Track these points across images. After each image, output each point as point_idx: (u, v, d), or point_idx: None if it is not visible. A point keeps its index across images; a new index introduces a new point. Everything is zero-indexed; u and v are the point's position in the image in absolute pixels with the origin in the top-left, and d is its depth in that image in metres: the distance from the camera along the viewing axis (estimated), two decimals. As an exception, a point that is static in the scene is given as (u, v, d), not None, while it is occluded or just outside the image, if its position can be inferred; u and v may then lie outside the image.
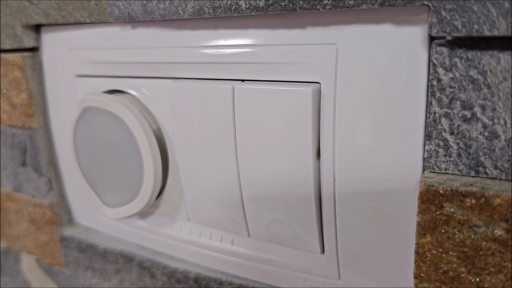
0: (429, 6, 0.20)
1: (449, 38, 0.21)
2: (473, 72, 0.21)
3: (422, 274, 0.24)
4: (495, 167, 0.21)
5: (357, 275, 0.28)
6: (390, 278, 0.27)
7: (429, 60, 0.22)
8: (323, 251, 0.29)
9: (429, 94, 0.22)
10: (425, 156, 0.23)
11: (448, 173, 0.23)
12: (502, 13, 0.19)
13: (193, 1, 0.27)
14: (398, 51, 0.23)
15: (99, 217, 0.42)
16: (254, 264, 0.32)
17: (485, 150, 0.21)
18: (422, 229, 0.23)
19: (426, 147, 0.23)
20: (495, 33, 0.19)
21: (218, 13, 0.27)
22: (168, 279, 0.37)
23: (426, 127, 0.23)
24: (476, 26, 0.19)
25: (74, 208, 0.45)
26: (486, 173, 0.22)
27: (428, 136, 0.23)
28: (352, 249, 0.27)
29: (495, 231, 0.21)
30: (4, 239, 0.52)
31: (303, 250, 0.29)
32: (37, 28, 0.39)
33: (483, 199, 0.21)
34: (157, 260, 0.38)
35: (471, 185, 0.21)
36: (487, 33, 0.19)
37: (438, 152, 0.23)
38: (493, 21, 0.19)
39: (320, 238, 0.28)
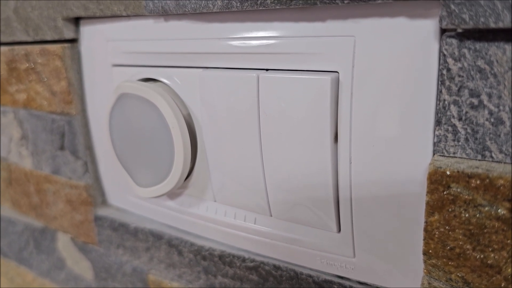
0: (439, 0, 0.22)
1: (459, 30, 0.23)
2: (480, 62, 0.22)
3: (430, 251, 0.26)
4: (500, 151, 0.23)
5: (371, 254, 0.30)
6: (402, 256, 0.29)
7: (440, 51, 0.23)
8: (339, 230, 0.31)
9: (439, 82, 0.24)
10: (435, 140, 0.25)
11: (456, 157, 0.24)
12: (507, 7, 0.20)
13: (222, -5, 0.29)
14: (411, 43, 0.24)
15: (131, 198, 0.45)
16: (275, 242, 0.34)
17: (491, 135, 0.23)
18: (431, 208, 0.25)
19: (436, 132, 0.25)
20: (500, 25, 0.20)
21: (245, 7, 0.29)
22: (194, 256, 0.40)
23: (436, 113, 0.24)
24: (482, 19, 0.21)
25: (107, 190, 0.48)
26: (491, 157, 0.23)
27: (438, 122, 0.24)
28: (367, 228, 0.29)
29: (499, 210, 0.23)
30: (41, 219, 0.56)
31: (320, 229, 0.31)
32: (76, 21, 0.42)
33: (487, 180, 0.22)
34: (184, 239, 0.40)
35: (477, 167, 0.23)
36: (492, 25, 0.21)
37: (447, 137, 0.24)
38: (498, 14, 0.20)
39: (336, 217, 0.30)
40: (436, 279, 0.26)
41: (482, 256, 0.24)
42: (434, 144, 0.25)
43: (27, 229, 0.59)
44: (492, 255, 0.23)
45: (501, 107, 0.22)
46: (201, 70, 0.33)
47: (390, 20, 0.25)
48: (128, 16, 0.37)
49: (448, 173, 0.23)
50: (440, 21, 0.22)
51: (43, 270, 0.60)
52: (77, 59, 0.43)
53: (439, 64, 0.24)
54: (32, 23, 0.43)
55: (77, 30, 0.42)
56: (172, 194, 0.40)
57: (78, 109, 0.44)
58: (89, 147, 0.46)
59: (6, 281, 0.68)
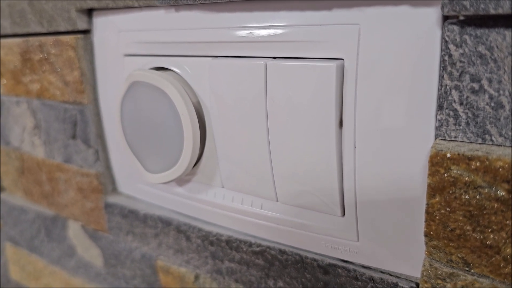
0: (441, -12, 0.23)
1: (460, 17, 0.23)
2: (481, 48, 0.23)
3: (431, 232, 0.26)
4: (500, 135, 0.24)
5: (374, 238, 0.31)
6: (405, 240, 0.30)
7: (442, 37, 0.24)
8: (343, 214, 0.32)
9: (441, 68, 0.24)
10: (437, 125, 0.26)
11: (457, 140, 0.25)
12: (506, -6, 0.21)
13: (231, -15, 0.30)
14: (414, 30, 0.25)
15: (141, 186, 0.46)
16: (281, 227, 0.35)
17: (491, 119, 0.24)
18: (432, 190, 0.25)
19: (438, 117, 0.25)
20: (500, 11, 0.21)
21: (254, -4, 0.30)
22: (202, 242, 0.41)
23: (438, 98, 0.25)
24: (482, 5, 0.21)
25: (117, 178, 0.49)
26: (491, 140, 0.24)
27: (439, 107, 0.25)
28: (370, 212, 0.30)
29: (498, 192, 0.23)
30: (53, 207, 0.57)
31: (325, 214, 0.32)
32: (89, 12, 0.43)
33: (487, 162, 0.23)
34: (192, 224, 0.41)
35: (477, 150, 0.24)
36: (492, 11, 0.21)
37: (449, 121, 0.25)
38: (498, 1, 0.21)
39: (341, 201, 0.31)
40: (437, 260, 0.27)
41: (481, 237, 0.24)
42: (436, 128, 0.26)
43: (38, 218, 0.61)
44: (491, 235, 0.24)
45: (501, 92, 0.23)
46: (210, 59, 0.34)
47: (394, 8, 0.25)
48: (140, 7, 0.38)
49: (448, 155, 0.24)
50: (442, 8, 0.23)
51: (54, 257, 0.62)
52: (89, 49, 0.44)
53: (441, 50, 0.24)
54: (46, 15, 0.45)
55: (90, 21, 0.43)
56: (181, 181, 0.41)
57: (90, 99, 0.45)
58: (101, 136, 0.47)
59: (18, 269, 0.69)
